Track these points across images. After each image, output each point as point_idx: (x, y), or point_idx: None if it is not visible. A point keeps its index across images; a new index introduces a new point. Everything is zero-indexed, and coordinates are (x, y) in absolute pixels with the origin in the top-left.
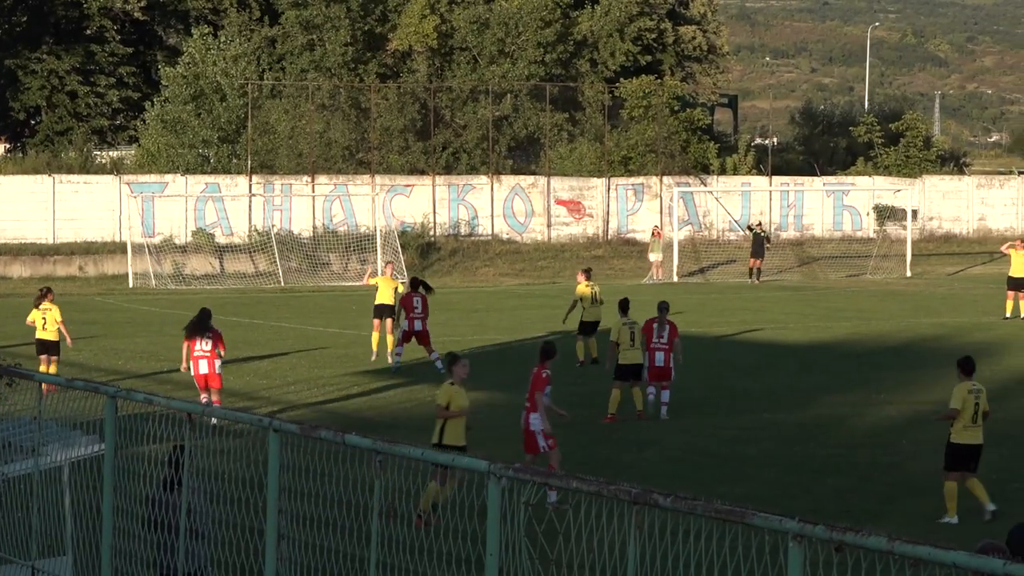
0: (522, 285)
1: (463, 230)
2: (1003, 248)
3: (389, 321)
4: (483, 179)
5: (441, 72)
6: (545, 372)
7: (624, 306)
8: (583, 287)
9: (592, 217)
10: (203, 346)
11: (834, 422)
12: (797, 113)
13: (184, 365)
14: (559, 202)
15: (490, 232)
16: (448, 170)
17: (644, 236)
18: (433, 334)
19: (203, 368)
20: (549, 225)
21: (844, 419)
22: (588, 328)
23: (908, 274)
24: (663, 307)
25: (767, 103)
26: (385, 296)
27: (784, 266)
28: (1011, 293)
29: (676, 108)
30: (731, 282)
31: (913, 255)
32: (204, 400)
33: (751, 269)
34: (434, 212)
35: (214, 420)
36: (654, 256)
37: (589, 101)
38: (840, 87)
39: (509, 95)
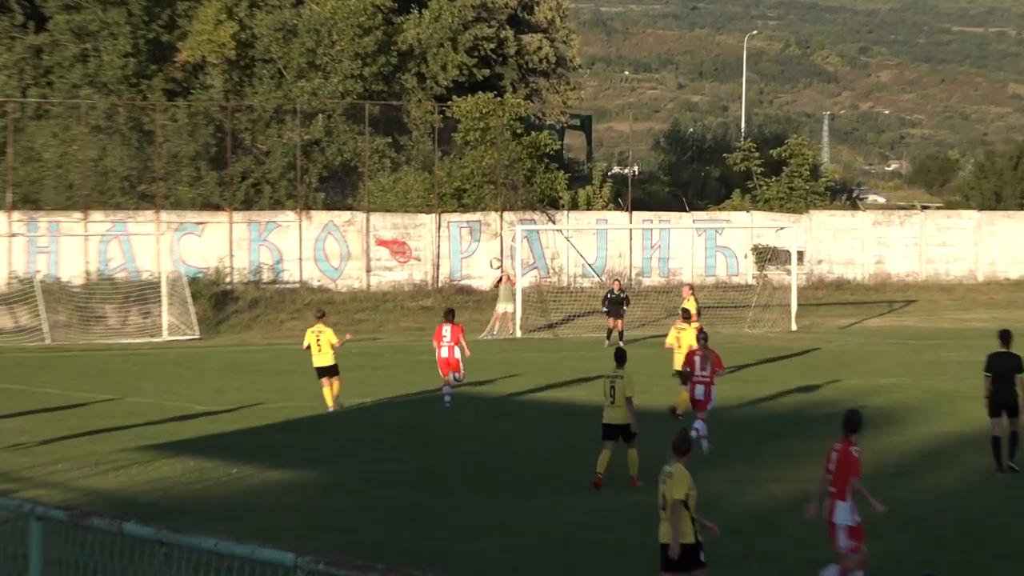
0: None
1: (266, 276)
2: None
3: (335, 379)
4: (290, 215)
5: (240, 88)
6: (855, 449)
7: (619, 357)
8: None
9: (420, 260)
10: None
11: (707, 504)
12: (662, 137)
13: None
14: (380, 242)
15: (298, 278)
16: (248, 205)
17: (481, 282)
18: (227, 402)
19: None
20: (368, 270)
21: (718, 500)
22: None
23: (793, 327)
24: (702, 336)
25: (626, 125)
26: (323, 358)
27: (648, 318)
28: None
29: (519, 131)
30: (585, 338)
31: (799, 305)
32: None
33: (609, 330)
34: (231, 255)
35: None
36: (503, 307)
37: (416, 123)
38: (712, 106)
39: (321, 115)
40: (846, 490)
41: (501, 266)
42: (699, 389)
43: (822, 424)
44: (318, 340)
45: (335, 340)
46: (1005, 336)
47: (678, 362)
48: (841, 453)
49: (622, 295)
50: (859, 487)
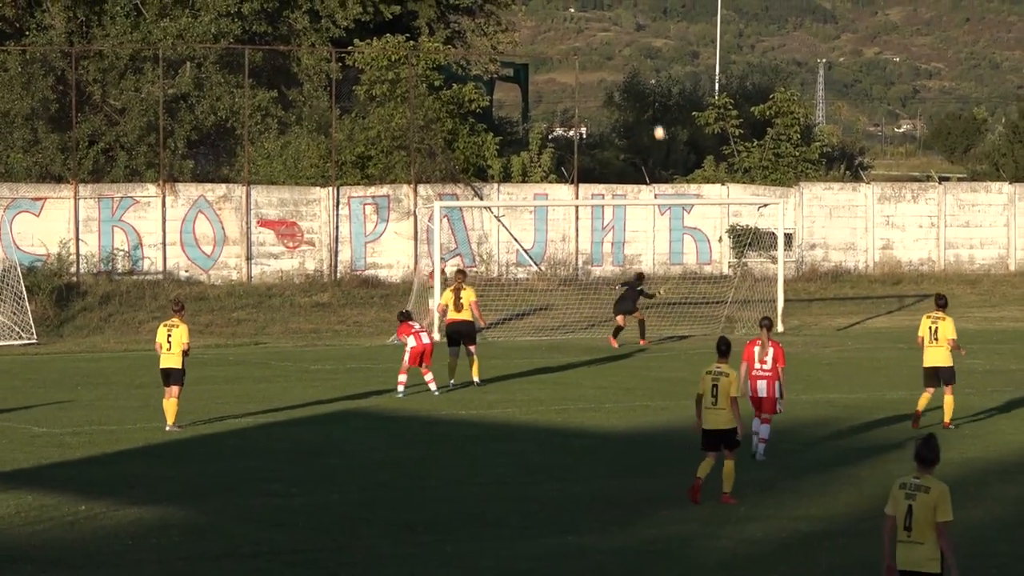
0: (210, 347)
1: (120, 265)
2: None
3: (176, 388)
4: (150, 189)
5: (87, 29)
6: None
7: (723, 349)
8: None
9: (313, 245)
10: None
11: (673, 548)
12: (616, 91)
13: None
14: (264, 223)
15: (161, 268)
16: (98, 176)
17: (390, 273)
18: (73, 422)
19: None
20: (249, 258)
21: (688, 543)
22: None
23: (780, 328)
24: (766, 324)
25: (572, 76)
26: (170, 359)
27: (598, 317)
28: None
29: (437, 83)
30: (520, 342)
31: (787, 300)
32: None
33: (618, 328)
34: (77, 238)
35: None
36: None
37: (309, 73)
38: (679, 52)
39: (189, 64)
40: None
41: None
42: (761, 385)
43: (815, 451)
44: (169, 337)
45: (186, 340)
46: None
47: (929, 359)
48: None
49: (646, 290)
50: None
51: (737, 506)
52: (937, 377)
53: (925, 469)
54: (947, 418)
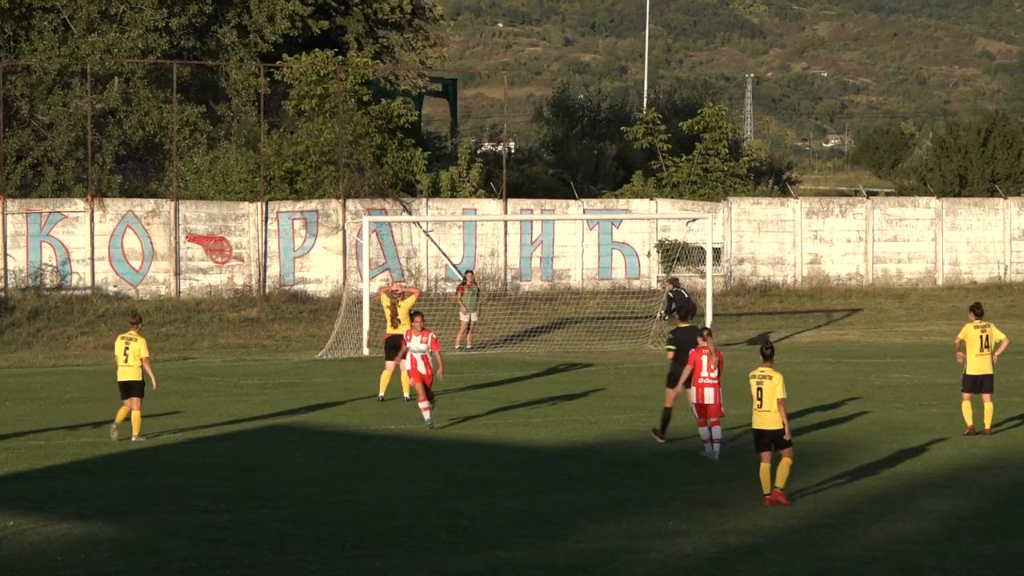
0: None
1: (49, 280)
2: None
3: (137, 400)
4: (79, 204)
5: (14, 44)
6: None
7: (766, 352)
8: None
9: (242, 260)
10: None
11: (602, 562)
12: (545, 105)
13: None
14: (193, 238)
15: (90, 283)
16: (26, 191)
17: (318, 288)
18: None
19: None
20: (178, 273)
21: (617, 557)
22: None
23: None
24: (704, 332)
25: (500, 90)
26: (128, 371)
27: (528, 331)
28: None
29: (366, 98)
30: (449, 356)
31: (715, 315)
32: None
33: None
34: (4, 254)
35: None
36: (468, 316)
37: (237, 88)
38: (608, 67)
39: (117, 79)
40: None
41: (470, 270)
42: (708, 392)
43: (742, 465)
44: (126, 349)
45: (145, 353)
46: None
47: (974, 367)
48: None
49: (684, 292)
50: None
51: (791, 506)
52: (978, 385)
53: None
54: (988, 423)
